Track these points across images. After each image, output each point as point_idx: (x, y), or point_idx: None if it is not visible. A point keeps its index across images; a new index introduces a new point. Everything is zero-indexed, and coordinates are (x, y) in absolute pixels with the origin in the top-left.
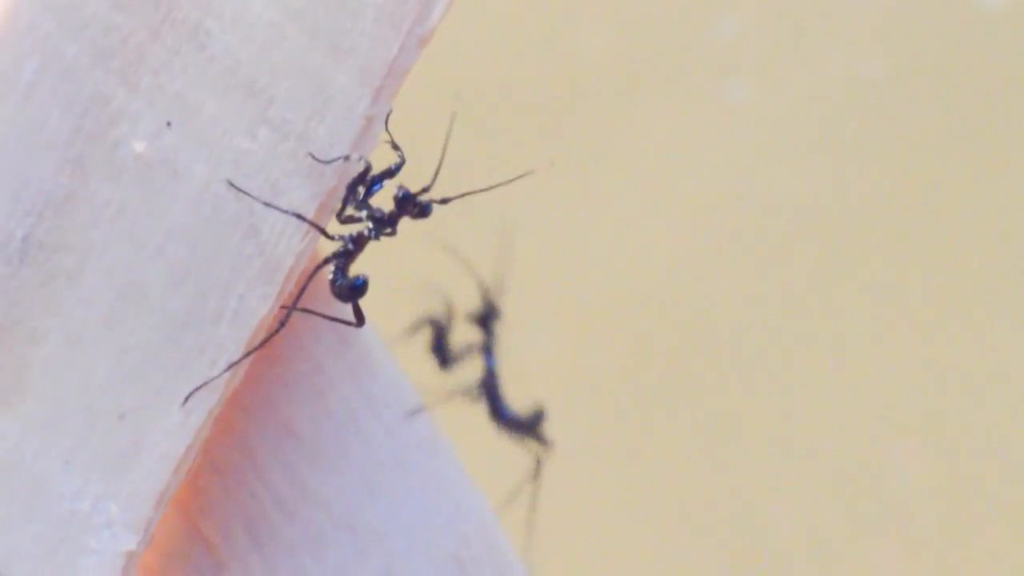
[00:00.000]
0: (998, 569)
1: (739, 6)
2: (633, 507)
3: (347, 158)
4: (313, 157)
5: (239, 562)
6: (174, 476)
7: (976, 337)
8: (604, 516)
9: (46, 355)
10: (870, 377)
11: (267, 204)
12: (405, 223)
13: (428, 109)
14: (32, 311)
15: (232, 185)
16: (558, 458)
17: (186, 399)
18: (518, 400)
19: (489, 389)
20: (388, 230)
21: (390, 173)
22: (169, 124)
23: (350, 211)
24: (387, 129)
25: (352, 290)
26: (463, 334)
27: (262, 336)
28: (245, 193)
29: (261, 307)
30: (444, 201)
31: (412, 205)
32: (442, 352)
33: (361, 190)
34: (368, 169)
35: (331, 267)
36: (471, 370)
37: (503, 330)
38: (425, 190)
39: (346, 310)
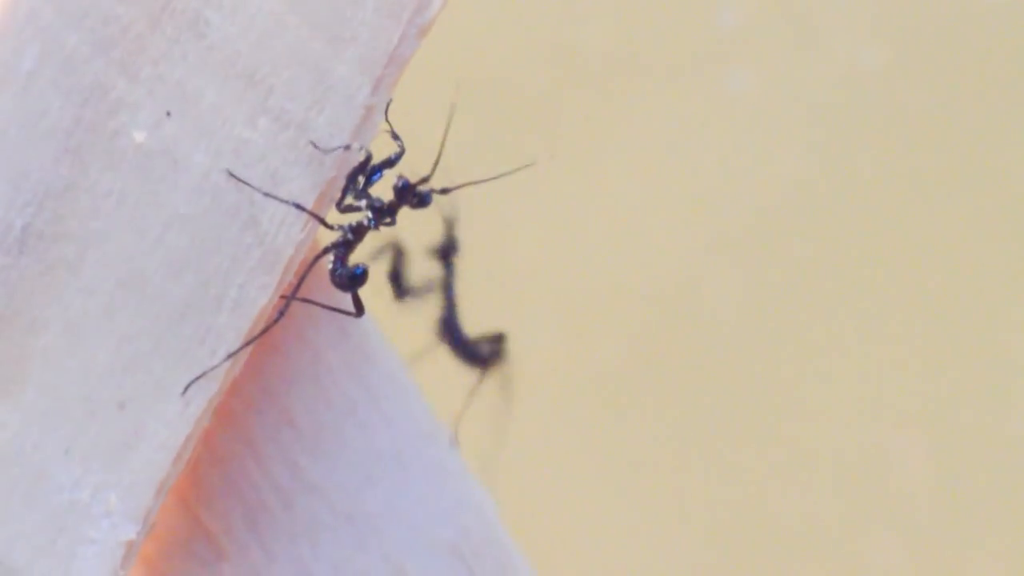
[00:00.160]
0: (999, 563)
1: None
2: (632, 500)
3: (348, 147)
4: (314, 146)
5: (238, 552)
6: (174, 466)
7: (977, 330)
8: (603, 509)
9: (46, 344)
10: (870, 370)
11: (267, 194)
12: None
13: (428, 99)
14: (32, 301)
15: (232, 175)
16: (557, 452)
17: (186, 388)
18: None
19: (449, 323)
20: (388, 220)
21: (390, 163)
22: (169, 114)
23: (350, 200)
24: (387, 119)
25: (352, 279)
26: (428, 269)
27: (262, 326)
28: (245, 183)
29: (261, 297)
30: (444, 191)
31: (412, 195)
32: (399, 281)
33: (361, 180)
34: (369, 159)
35: (330, 257)
36: (431, 306)
37: (462, 264)
38: (425, 180)
39: (346, 300)
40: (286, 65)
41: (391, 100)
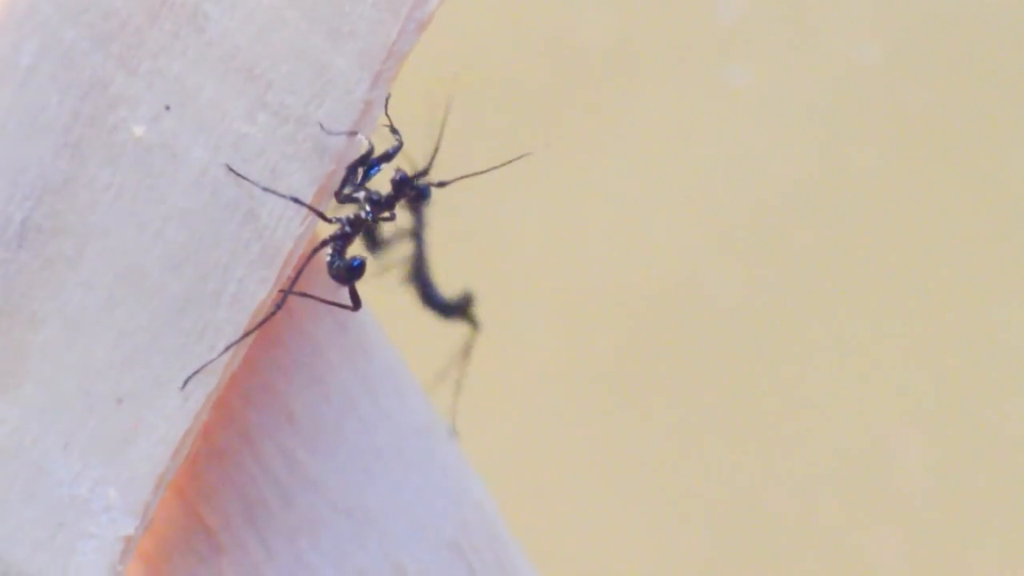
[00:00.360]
0: (998, 560)
1: None
2: (631, 496)
3: (354, 133)
4: (321, 127)
5: (237, 546)
6: (173, 460)
7: (976, 327)
8: (603, 504)
9: (45, 339)
10: (869, 367)
11: (266, 189)
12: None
13: (426, 94)
14: (31, 295)
15: (231, 169)
16: (556, 447)
17: (185, 383)
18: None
19: (419, 273)
20: (386, 214)
21: (388, 156)
22: (168, 108)
23: (348, 191)
24: (386, 113)
25: (350, 271)
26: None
27: (260, 320)
28: (243, 178)
29: (260, 291)
30: (442, 184)
31: (410, 188)
32: (371, 234)
33: (360, 172)
34: (371, 151)
35: (328, 250)
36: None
37: (432, 216)
38: (423, 173)
39: (344, 295)
40: (285, 59)
41: (390, 94)
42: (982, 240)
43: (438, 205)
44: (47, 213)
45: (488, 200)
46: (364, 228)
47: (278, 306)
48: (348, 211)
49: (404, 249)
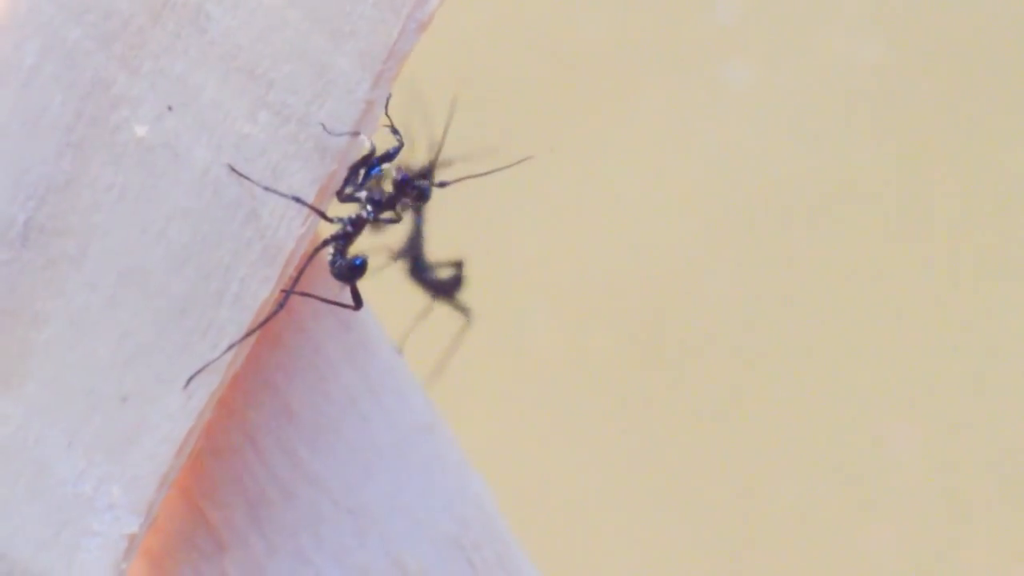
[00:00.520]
0: (993, 553)
1: None
2: (629, 491)
3: (356, 134)
4: (324, 128)
5: (240, 543)
6: (176, 458)
7: (975, 320)
8: (601, 500)
9: (48, 338)
10: (867, 361)
11: (267, 188)
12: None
13: (427, 94)
14: (34, 295)
15: (233, 169)
16: (556, 444)
17: (188, 382)
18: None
19: (413, 247)
20: (387, 214)
21: (388, 156)
22: (170, 108)
23: (350, 191)
24: (387, 113)
25: (352, 270)
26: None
27: (263, 319)
28: (245, 177)
29: (262, 290)
30: (443, 184)
31: (411, 188)
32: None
33: (362, 172)
34: (373, 151)
35: (330, 249)
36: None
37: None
38: (424, 174)
39: (346, 294)
40: (287, 59)
41: (391, 95)
42: (979, 235)
43: (438, 204)
44: (50, 213)
45: (488, 199)
46: (364, 227)
47: (280, 305)
48: (350, 211)
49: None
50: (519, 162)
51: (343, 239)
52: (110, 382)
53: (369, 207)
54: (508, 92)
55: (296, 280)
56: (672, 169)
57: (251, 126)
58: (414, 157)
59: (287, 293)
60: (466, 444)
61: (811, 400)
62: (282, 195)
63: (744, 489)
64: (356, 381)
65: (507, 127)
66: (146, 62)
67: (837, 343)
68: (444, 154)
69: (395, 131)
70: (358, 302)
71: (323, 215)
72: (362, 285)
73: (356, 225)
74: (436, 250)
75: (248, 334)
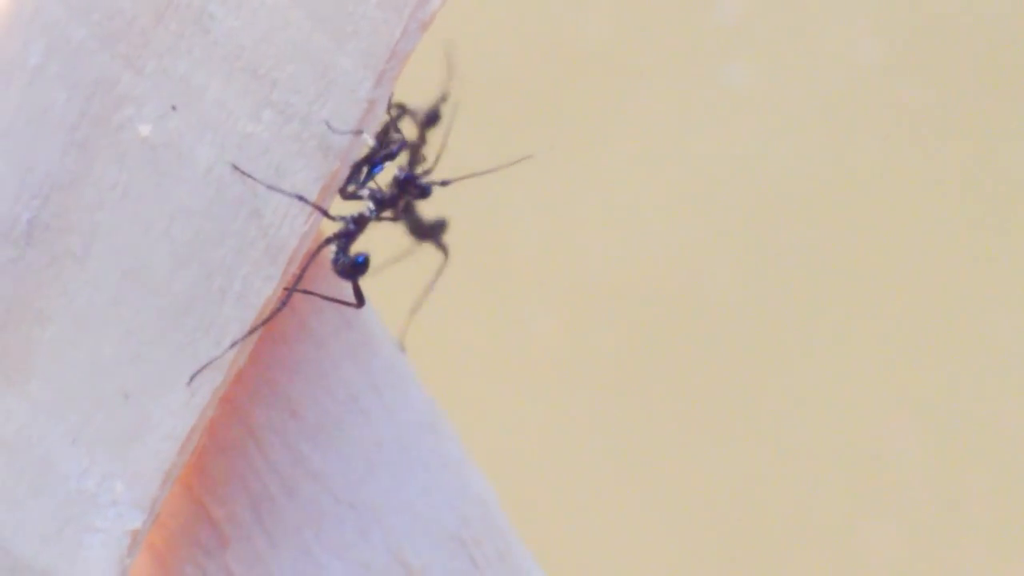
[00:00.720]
0: (994, 552)
1: None
2: (630, 489)
3: (359, 132)
4: (328, 126)
5: (243, 540)
6: (179, 455)
7: (973, 321)
8: (602, 498)
9: (52, 336)
10: (867, 360)
11: (270, 187)
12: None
13: (429, 93)
14: (38, 293)
15: (236, 168)
16: (557, 441)
17: (191, 379)
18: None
19: (401, 188)
20: (390, 212)
21: (391, 155)
22: (174, 107)
23: (352, 189)
24: (389, 112)
25: (354, 267)
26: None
27: (265, 317)
28: (249, 176)
29: (265, 288)
30: (445, 183)
31: (413, 187)
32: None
33: (364, 170)
34: (375, 149)
35: (332, 247)
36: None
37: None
38: (426, 172)
39: (348, 292)
40: (290, 59)
41: (393, 94)
42: (980, 235)
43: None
44: (54, 212)
45: (488, 198)
46: (367, 225)
47: (283, 303)
48: (352, 209)
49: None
50: (520, 160)
51: (345, 237)
52: (113, 379)
53: (371, 205)
54: (508, 92)
55: (299, 278)
56: (672, 168)
57: (254, 125)
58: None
59: (290, 291)
60: (468, 441)
61: (811, 399)
62: (285, 193)
63: (744, 488)
64: (358, 378)
65: (507, 127)
66: (150, 62)
67: (837, 342)
68: (446, 153)
69: (397, 130)
70: (360, 300)
71: (325, 213)
72: (364, 283)
73: (358, 223)
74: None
75: (251, 332)
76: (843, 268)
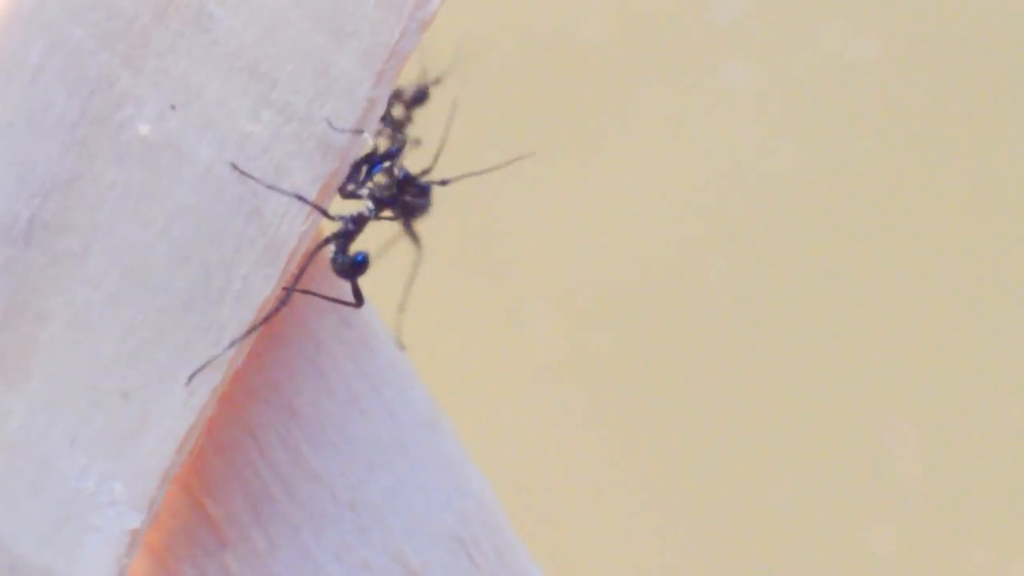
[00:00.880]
0: (991, 552)
1: None
2: (628, 488)
3: (360, 132)
4: (329, 124)
5: (242, 540)
6: (178, 455)
7: (971, 319)
8: (601, 497)
9: (51, 335)
10: (866, 360)
11: (270, 187)
12: None
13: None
14: (38, 292)
15: (235, 167)
16: (556, 440)
17: (190, 378)
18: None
19: (400, 188)
20: (389, 212)
21: (391, 155)
22: (173, 107)
23: (352, 188)
24: (388, 111)
25: (353, 267)
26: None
27: (264, 316)
28: (248, 176)
29: (264, 288)
30: (444, 182)
31: (412, 186)
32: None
33: (364, 170)
34: (375, 149)
35: (332, 246)
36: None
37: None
38: (426, 172)
39: (347, 291)
40: (289, 58)
41: (392, 93)
42: (977, 234)
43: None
44: (54, 211)
45: (488, 196)
46: (366, 225)
47: (282, 303)
48: (351, 208)
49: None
50: (519, 159)
51: (344, 236)
52: (112, 379)
53: (371, 205)
54: (507, 90)
55: (298, 277)
56: (671, 168)
57: (254, 125)
58: (416, 155)
59: (289, 290)
60: (467, 440)
61: (812, 398)
62: (284, 192)
63: (744, 487)
64: (358, 378)
65: (507, 126)
66: (149, 61)
67: (836, 339)
68: (444, 153)
69: (396, 129)
70: (359, 299)
71: (325, 213)
72: (363, 282)
73: (358, 223)
74: (436, 247)
75: (250, 331)
76: (843, 267)
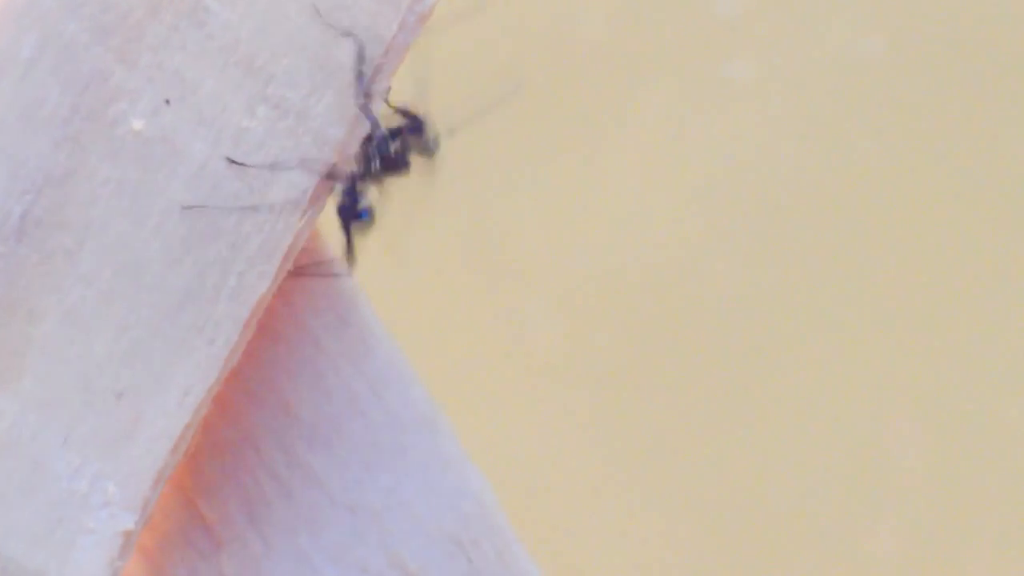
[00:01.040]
0: (993, 552)
1: None
2: (629, 487)
3: (361, 72)
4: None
5: (237, 542)
6: (172, 455)
7: (974, 319)
8: (602, 496)
9: (44, 333)
10: (868, 359)
11: (266, 183)
12: None
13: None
14: (30, 289)
15: (231, 162)
16: (556, 440)
17: (184, 378)
18: None
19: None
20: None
21: (396, 132)
22: (168, 102)
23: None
24: (388, 103)
25: (354, 212)
26: None
27: (260, 314)
28: (244, 165)
29: (260, 285)
30: (447, 135)
31: (418, 140)
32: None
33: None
34: (376, 125)
35: (340, 187)
36: None
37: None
38: (422, 125)
39: (345, 292)
40: (285, 53)
41: (391, 87)
42: (981, 231)
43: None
44: (47, 207)
45: (490, 193)
46: (371, 180)
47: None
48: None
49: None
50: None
51: (352, 183)
52: (106, 378)
53: (378, 161)
54: (510, 84)
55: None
56: (673, 166)
57: (249, 120)
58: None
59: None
60: (466, 441)
61: (813, 398)
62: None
63: (745, 487)
64: (355, 377)
65: (508, 125)
66: (144, 55)
67: (840, 340)
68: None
69: (403, 113)
70: (351, 256)
71: (331, 177)
72: (363, 281)
73: (364, 177)
74: (436, 247)
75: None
76: (844, 263)
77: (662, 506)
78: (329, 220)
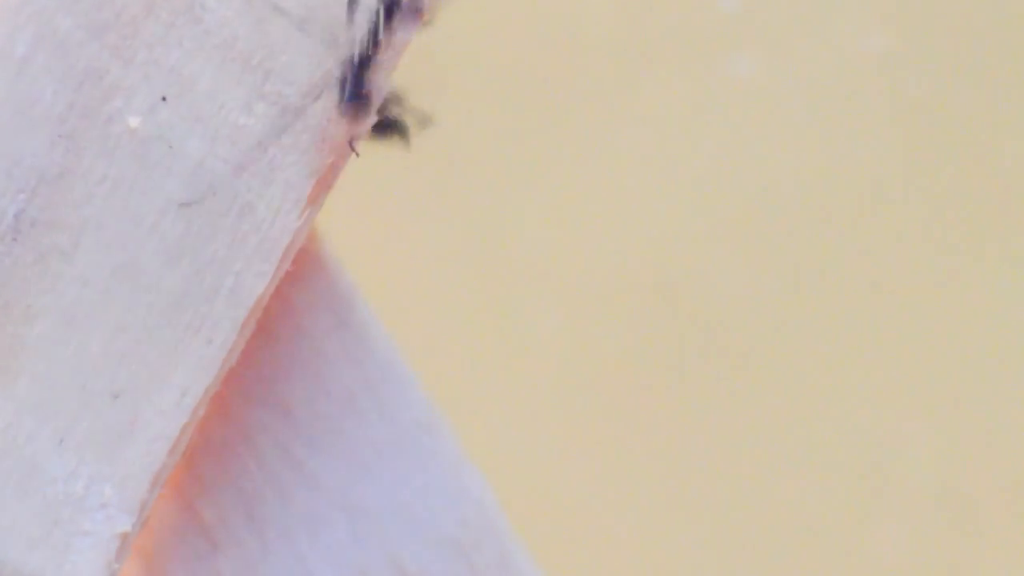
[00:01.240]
0: (1000, 555)
1: None
2: (632, 490)
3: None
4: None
5: (235, 544)
6: (169, 457)
7: (980, 320)
8: (603, 498)
9: (40, 334)
10: (874, 360)
11: (264, 181)
12: None
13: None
14: (25, 289)
15: (228, 161)
16: (557, 441)
17: (181, 379)
18: None
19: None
20: (385, 48)
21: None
22: (164, 99)
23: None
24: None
25: (362, 107)
26: None
27: (259, 314)
28: (242, 169)
29: (258, 285)
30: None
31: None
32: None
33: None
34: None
35: (340, 76)
36: None
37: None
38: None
39: (342, 292)
40: (283, 49)
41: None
42: (987, 231)
43: (438, 199)
44: (41, 206)
45: (491, 191)
46: (369, 64)
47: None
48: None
49: None
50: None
51: (351, 67)
52: (102, 378)
53: (371, 45)
54: (512, 82)
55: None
56: (677, 161)
57: (247, 117)
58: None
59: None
60: (466, 441)
61: (817, 398)
62: (279, 188)
63: (747, 488)
64: (354, 378)
65: (509, 123)
66: (140, 52)
67: (844, 340)
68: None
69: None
70: (353, 147)
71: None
72: (362, 281)
73: (363, 63)
74: (436, 247)
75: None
76: (848, 262)
77: (664, 508)
78: (329, 220)
